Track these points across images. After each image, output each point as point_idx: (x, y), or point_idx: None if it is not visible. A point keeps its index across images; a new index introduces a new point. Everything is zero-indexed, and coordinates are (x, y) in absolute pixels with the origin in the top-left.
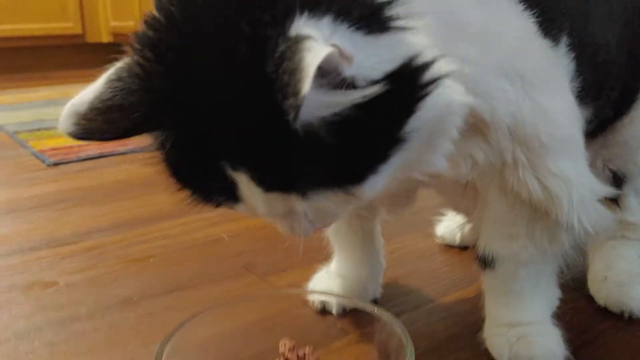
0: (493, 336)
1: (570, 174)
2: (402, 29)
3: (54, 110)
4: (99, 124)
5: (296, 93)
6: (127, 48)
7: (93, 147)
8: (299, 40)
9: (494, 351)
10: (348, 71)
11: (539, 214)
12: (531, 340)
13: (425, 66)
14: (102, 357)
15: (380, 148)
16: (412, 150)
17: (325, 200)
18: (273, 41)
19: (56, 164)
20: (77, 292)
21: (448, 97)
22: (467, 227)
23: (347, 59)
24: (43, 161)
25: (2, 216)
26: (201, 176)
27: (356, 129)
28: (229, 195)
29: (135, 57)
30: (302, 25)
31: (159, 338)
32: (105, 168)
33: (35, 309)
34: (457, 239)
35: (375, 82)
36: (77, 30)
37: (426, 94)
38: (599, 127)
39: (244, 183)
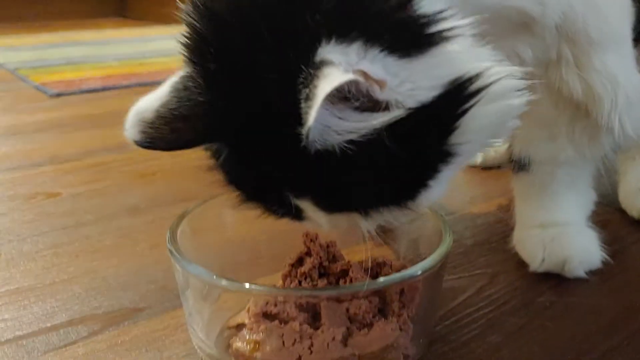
0: (525, 238)
1: (618, 72)
2: (442, 42)
3: (55, 52)
4: (165, 134)
5: (306, 121)
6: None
7: (96, 80)
8: (320, 66)
9: (525, 254)
10: (381, 95)
11: (580, 113)
12: (567, 240)
13: (468, 82)
14: (109, 257)
15: (426, 166)
16: (468, 155)
17: (385, 216)
18: (299, 69)
19: (58, 95)
20: (81, 202)
21: (500, 104)
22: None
23: (379, 83)
24: (45, 92)
25: (4, 138)
26: (262, 198)
27: (400, 149)
28: (292, 216)
29: (198, 69)
30: (328, 51)
31: None
32: (109, 99)
33: (38, 216)
34: (479, 158)
35: (410, 109)
36: None
37: (467, 109)
38: None
39: (309, 208)
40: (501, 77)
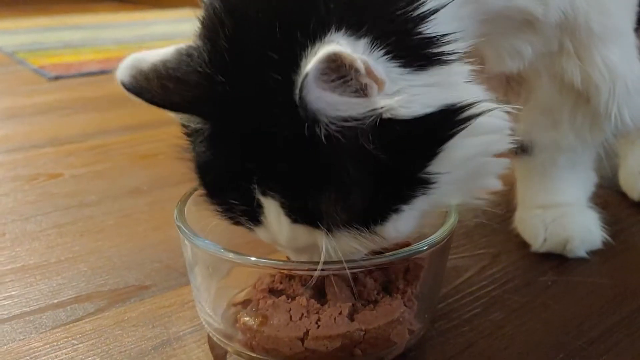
0: (527, 219)
1: (617, 64)
2: (443, 64)
3: (52, 35)
4: (153, 87)
5: (304, 73)
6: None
7: (94, 63)
8: (324, 44)
9: (527, 234)
10: (377, 96)
11: (582, 99)
12: (568, 221)
13: (461, 110)
14: (112, 236)
15: (404, 185)
16: (446, 191)
17: (350, 239)
18: (304, 47)
19: (57, 78)
20: (83, 183)
21: (482, 139)
22: None
23: (378, 82)
24: (43, 75)
25: (3, 121)
26: (225, 189)
27: (381, 158)
28: (250, 217)
29: (208, 43)
30: (337, 38)
31: (172, 222)
32: (108, 82)
33: (41, 197)
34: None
35: (399, 121)
36: None
37: (453, 134)
38: None
39: (272, 210)
40: (490, 111)
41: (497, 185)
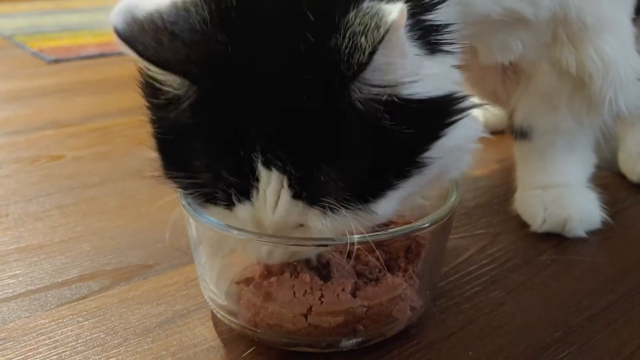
0: (526, 199)
1: (611, 54)
2: (446, 53)
3: (49, 19)
4: (147, 38)
5: (375, 37)
6: None
7: (93, 47)
8: (370, 7)
9: (526, 214)
10: (400, 70)
11: (579, 83)
12: (567, 201)
13: (460, 100)
14: (115, 217)
15: (402, 164)
16: (428, 177)
17: (344, 217)
18: (339, 14)
19: (56, 61)
20: (85, 165)
21: (472, 127)
22: (490, 114)
23: (402, 54)
24: (42, 59)
25: (4, 103)
26: (212, 159)
27: (389, 138)
28: (239, 190)
29: (210, 3)
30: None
31: (174, 203)
32: (107, 65)
33: (43, 178)
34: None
35: (400, 99)
36: None
37: (455, 121)
38: None
39: (272, 183)
40: (477, 106)
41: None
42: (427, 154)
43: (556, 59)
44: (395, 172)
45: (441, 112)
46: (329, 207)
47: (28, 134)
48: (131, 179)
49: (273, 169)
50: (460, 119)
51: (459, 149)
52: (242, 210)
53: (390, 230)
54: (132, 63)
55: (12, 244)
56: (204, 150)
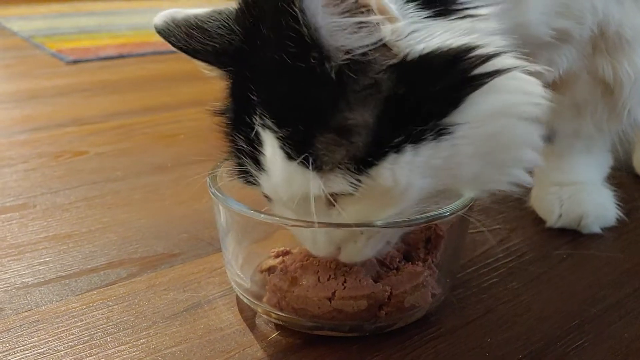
0: (542, 196)
1: None
2: (469, 18)
3: (67, 21)
4: (181, 33)
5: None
6: None
7: (111, 48)
8: None
9: (542, 211)
10: (386, 32)
11: (608, 91)
12: (583, 198)
13: (479, 59)
14: (140, 209)
15: (409, 122)
16: (462, 152)
17: (340, 181)
18: None
19: (75, 62)
20: (108, 160)
21: (521, 91)
22: None
23: (391, 19)
24: (61, 59)
25: (24, 102)
26: (236, 132)
27: (390, 97)
28: (254, 160)
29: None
30: None
31: (197, 197)
32: (126, 66)
33: (68, 172)
34: None
35: (406, 57)
36: None
37: (473, 88)
38: None
39: (269, 144)
40: (518, 68)
41: (526, 179)
42: (447, 120)
43: (594, 68)
44: (398, 132)
45: (452, 69)
46: (322, 168)
47: (50, 130)
48: (153, 174)
49: (267, 130)
50: (492, 79)
51: (503, 115)
52: (263, 180)
53: (413, 218)
54: (150, 64)
55: (41, 232)
56: (232, 126)
